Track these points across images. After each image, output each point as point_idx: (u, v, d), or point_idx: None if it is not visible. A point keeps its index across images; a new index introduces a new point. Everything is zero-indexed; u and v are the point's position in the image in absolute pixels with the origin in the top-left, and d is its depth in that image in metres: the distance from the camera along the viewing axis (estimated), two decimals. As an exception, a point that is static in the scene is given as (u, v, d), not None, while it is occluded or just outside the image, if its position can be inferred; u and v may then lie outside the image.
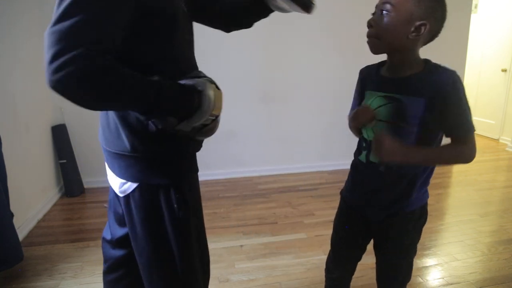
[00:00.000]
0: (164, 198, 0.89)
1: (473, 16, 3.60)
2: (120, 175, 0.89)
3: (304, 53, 3.21)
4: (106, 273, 1.13)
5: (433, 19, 0.91)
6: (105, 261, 1.12)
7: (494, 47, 4.40)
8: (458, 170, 3.44)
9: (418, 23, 0.89)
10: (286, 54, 3.18)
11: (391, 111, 0.98)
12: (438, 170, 3.43)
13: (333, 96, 3.31)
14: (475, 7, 4.54)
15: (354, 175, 1.17)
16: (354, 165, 1.17)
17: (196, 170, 0.98)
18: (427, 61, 0.98)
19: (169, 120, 0.78)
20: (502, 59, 4.27)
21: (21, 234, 2.17)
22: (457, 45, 3.55)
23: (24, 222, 2.26)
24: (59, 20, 0.63)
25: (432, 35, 0.95)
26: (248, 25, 1.11)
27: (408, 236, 1.08)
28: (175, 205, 0.90)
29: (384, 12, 0.90)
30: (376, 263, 1.19)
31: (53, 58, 0.61)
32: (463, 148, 0.95)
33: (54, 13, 0.64)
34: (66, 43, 0.61)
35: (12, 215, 1.84)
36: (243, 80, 3.17)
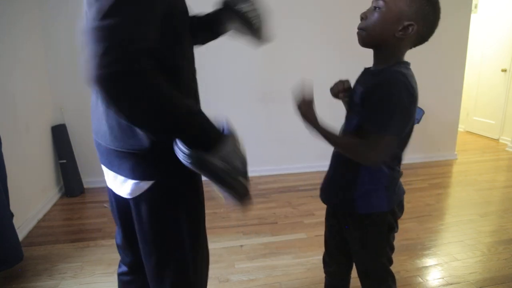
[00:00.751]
0: (180, 196, 0.88)
1: (473, 16, 3.60)
2: (132, 175, 0.85)
3: (303, 54, 3.21)
4: (120, 275, 1.14)
5: (422, 21, 0.92)
6: (120, 263, 1.13)
7: (494, 47, 4.40)
8: (458, 170, 3.44)
9: (406, 23, 0.91)
10: (286, 55, 3.18)
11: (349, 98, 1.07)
12: (438, 170, 3.45)
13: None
14: (475, 7, 4.54)
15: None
16: None
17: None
18: (400, 63, 0.97)
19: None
20: (502, 59, 4.28)
21: (21, 234, 2.17)
22: (457, 45, 3.54)
23: (24, 222, 2.26)
24: (106, 16, 0.61)
25: (421, 38, 0.96)
26: (202, 42, 1.14)
27: (369, 238, 1.08)
28: (190, 204, 0.90)
29: (376, 7, 0.94)
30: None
31: (103, 54, 0.60)
32: (361, 142, 0.93)
33: (92, 6, 0.63)
34: (115, 42, 0.61)
35: (12, 215, 1.84)
36: (242, 80, 3.17)
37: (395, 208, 1.06)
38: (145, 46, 0.65)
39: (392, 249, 1.12)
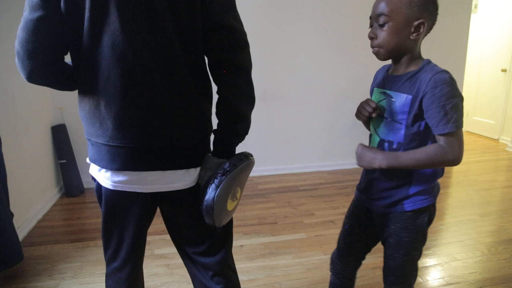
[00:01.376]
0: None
1: (473, 16, 3.60)
2: (196, 163, 0.96)
3: (304, 53, 3.21)
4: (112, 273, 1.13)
5: (427, 14, 0.94)
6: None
7: (494, 47, 4.40)
8: (458, 170, 3.44)
9: (416, 23, 0.94)
10: (287, 54, 3.18)
11: (385, 107, 1.03)
12: (438, 170, 3.45)
13: (333, 96, 3.31)
14: (475, 7, 4.54)
15: (364, 169, 1.19)
16: None
17: None
18: (427, 61, 1.00)
19: None
20: (502, 59, 4.28)
21: (21, 234, 2.18)
22: (457, 45, 3.55)
23: (24, 222, 2.26)
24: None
25: (430, 28, 0.99)
26: None
27: (407, 232, 1.09)
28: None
29: (381, 23, 0.95)
30: (383, 260, 1.20)
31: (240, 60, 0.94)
32: (441, 148, 0.93)
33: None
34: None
35: (12, 215, 1.84)
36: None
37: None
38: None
39: (425, 241, 1.13)
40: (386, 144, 1.06)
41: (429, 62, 1.00)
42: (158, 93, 0.87)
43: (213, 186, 0.89)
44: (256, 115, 3.25)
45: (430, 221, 1.11)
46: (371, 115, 1.04)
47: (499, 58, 4.33)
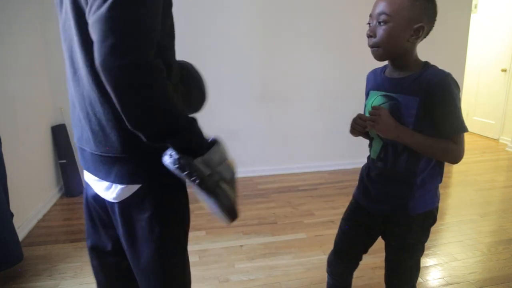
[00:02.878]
0: (165, 198, 0.88)
1: (473, 16, 3.60)
2: (118, 180, 0.84)
3: (304, 53, 3.21)
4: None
5: (427, 18, 0.96)
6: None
7: (494, 47, 4.40)
8: (458, 170, 3.44)
9: (415, 26, 0.95)
10: (286, 54, 3.18)
11: (389, 110, 1.01)
12: (438, 170, 3.45)
13: (333, 96, 3.31)
14: (475, 7, 4.54)
15: (364, 171, 1.20)
16: (366, 164, 1.21)
17: None
18: (426, 63, 1.02)
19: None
20: (502, 59, 4.28)
21: (21, 234, 2.18)
22: (457, 45, 3.55)
23: (24, 222, 2.26)
24: (119, 6, 0.62)
25: (427, 33, 1.00)
26: None
27: (412, 234, 1.10)
28: (174, 207, 0.89)
29: (381, 22, 0.95)
30: (385, 261, 1.20)
31: (118, 45, 0.61)
32: (453, 146, 0.98)
33: None
34: (130, 34, 0.62)
35: (12, 215, 1.84)
36: (243, 80, 3.17)
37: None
38: (157, 37, 0.65)
39: (427, 239, 1.14)
40: (390, 148, 1.05)
41: (428, 63, 1.01)
42: (81, 99, 0.85)
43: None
44: (256, 115, 3.27)
45: (434, 222, 1.12)
46: (366, 129, 1.05)
47: (499, 58, 4.33)
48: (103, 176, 0.86)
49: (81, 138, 0.89)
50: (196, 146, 0.74)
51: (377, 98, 1.07)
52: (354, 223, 1.21)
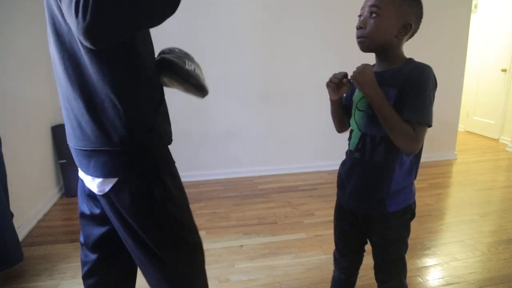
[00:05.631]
0: (144, 193, 0.89)
1: (473, 16, 3.60)
2: (96, 173, 0.86)
3: (304, 53, 3.21)
4: (84, 277, 1.10)
5: (414, 18, 0.99)
6: (83, 265, 1.10)
7: (494, 47, 4.40)
8: (458, 170, 3.44)
9: (404, 23, 0.98)
10: (286, 54, 3.18)
11: (369, 101, 1.03)
12: (438, 170, 3.45)
13: (333, 96, 3.31)
14: (475, 7, 4.54)
15: (341, 167, 1.22)
16: (343, 160, 1.22)
17: (174, 161, 0.98)
18: (410, 59, 1.05)
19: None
20: (502, 59, 4.28)
21: (21, 234, 2.18)
22: (457, 45, 3.54)
23: (24, 222, 2.26)
24: None
25: (414, 32, 1.03)
26: None
27: (392, 230, 1.12)
28: (161, 196, 0.90)
29: (372, 14, 0.98)
30: (373, 257, 1.23)
31: (77, 4, 0.62)
32: (412, 132, 0.96)
33: None
34: None
35: (12, 215, 1.84)
36: (243, 80, 3.17)
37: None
38: None
39: (409, 234, 1.15)
40: (368, 138, 1.07)
41: (412, 59, 1.04)
42: (63, 98, 0.88)
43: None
44: (256, 115, 3.27)
45: (413, 217, 1.14)
46: (342, 83, 1.07)
47: (499, 58, 4.33)
48: (85, 170, 0.90)
49: (68, 135, 0.94)
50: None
51: (360, 92, 1.08)
52: (344, 223, 1.23)
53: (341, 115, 1.19)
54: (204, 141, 3.19)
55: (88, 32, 0.64)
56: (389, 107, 0.97)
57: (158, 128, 0.89)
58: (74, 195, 2.85)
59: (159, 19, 0.73)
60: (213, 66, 2.99)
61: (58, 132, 2.84)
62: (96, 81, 0.80)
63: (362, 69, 1.00)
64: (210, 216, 2.50)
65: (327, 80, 1.12)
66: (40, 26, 2.69)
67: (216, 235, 2.24)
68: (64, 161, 2.85)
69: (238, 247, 2.11)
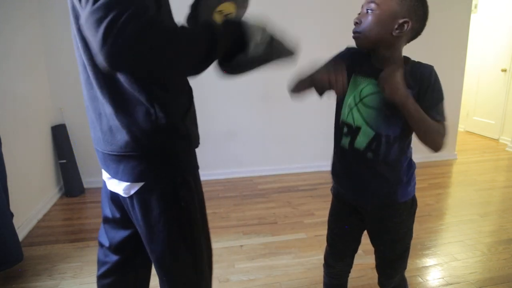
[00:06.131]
0: (170, 197, 0.90)
1: (473, 16, 3.60)
2: (127, 178, 0.87)
3: (303, 54, 3.20)
4: (101, 277, 1.11)
5: (415, 17, 0.97)
6: (101, 265, 1.10)
7: (494, 47, 4.40)
8: (458, 170, 3.44)
9: (401, 20, 0.95)
10: (286, 54, 3.18)
11: (382, 99, 1.00)
12: (438, 170, 3.45)
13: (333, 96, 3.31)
14: (475, 7, 4.54)
15: (338, 164, 1.16)
16: (338, 153, 1.15)
17: (198, 167, 0.99)
18: (407, 58, 1.04)
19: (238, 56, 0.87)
20: (502, 59, 4.28)
21: (21, 234, 2.17)
22: (457, 45, 3.54)
23: (24, 222, 2.26)
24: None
25: (415, 33, 1.01)
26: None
27: (403, 225, 1.13)
28: (184, 201, 0.91)
29: (369, 10, 0.97)
30: (375, 254, 1.22)
31: (108, 29, 0.57)
32: (443, 129, 1.02)
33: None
34: (116, 10, 0.58)
35: (12, 215, 1.84)
36: (243, 80, 3.15)
37: None
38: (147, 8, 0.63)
39: (413, 223, 1.18)
40: (383, 139, 1.02)
41: (409, 58, 1.04)
42: (95, 101, 0.88)
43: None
44: (256, 115, 3.27)
45: (417, 207, 1.16)
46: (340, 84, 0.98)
47: (499, 58, 4.33)
48: (113, 174, 0.90)
49: (95, 139, 0.93)
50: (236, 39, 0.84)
51: (368, 86, 1.03)
52: (344, 223, 1.22)
53: (309, 89, 1.15)
54: (204, 141, 3.15)
55: (110, 60, 0.60)
56: (421, 111, 0.96)
57: (187, 132, 0.90)
58: (74, 195, 2.86)
59: (187, 74, 0.77)
60: (213, 66, 2.98)
61: (58, 132, 2.84)
62: (126, 87, 0.80)
63: (389, 77, 0.93)
64: (210, 216, 2.49)
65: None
66: (40, 25, 2.69)
67: (216, 235, 2.24)
68: (64, 161, 2.85)
69: (238, 247, 2.11)
